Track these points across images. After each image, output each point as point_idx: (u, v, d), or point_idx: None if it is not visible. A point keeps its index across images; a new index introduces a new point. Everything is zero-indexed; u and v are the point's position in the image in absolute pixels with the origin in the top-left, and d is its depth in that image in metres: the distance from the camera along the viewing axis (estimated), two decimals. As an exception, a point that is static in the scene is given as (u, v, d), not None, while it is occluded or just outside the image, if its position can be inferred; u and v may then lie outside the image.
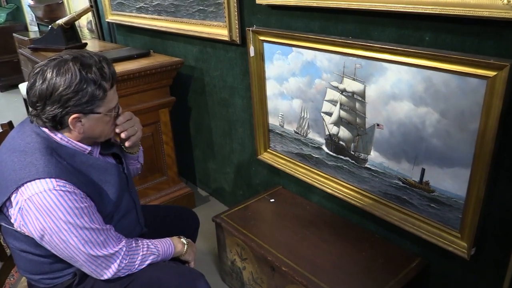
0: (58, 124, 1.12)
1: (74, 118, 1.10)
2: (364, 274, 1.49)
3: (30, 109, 1.14)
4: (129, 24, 2.79)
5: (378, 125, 1.48)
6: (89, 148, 1.20)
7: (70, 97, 1.07)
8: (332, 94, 1.61)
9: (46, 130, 1.14)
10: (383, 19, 1.35)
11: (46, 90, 1.06)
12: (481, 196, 1.24)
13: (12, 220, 1.11)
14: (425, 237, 1.44)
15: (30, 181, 1.06)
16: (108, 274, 1.18)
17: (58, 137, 1.15)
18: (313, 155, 1.81)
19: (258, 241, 1.70)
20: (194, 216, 1.67)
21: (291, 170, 1.94)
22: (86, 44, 2.73)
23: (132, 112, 1.35)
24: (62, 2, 3.87)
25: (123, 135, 1.29)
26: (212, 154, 2.57)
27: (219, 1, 1.95)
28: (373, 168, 1.56)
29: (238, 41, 1.95)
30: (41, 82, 1.07)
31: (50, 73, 1.06)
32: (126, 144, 1.33)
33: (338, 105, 1.60)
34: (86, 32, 3.58)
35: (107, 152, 1.30)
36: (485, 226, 1.31)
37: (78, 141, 1.17)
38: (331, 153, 1.72)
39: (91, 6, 3.01)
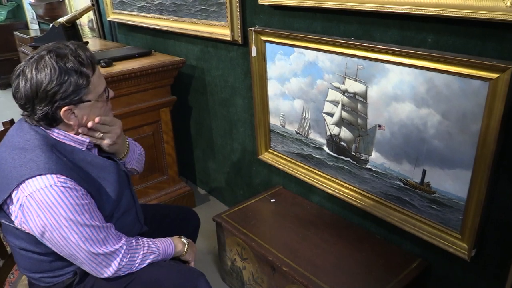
0: (52, 121, 1.11)
1: (65, 111, 1.10)
2: (365, 275, 1.49)
3: (21, 110, 1.13)
4: (131, 23, 2.79)
5: (379, 126, 1.48)
6: (87, 140, 1.19)
7: (55, 91, 1.06)
8: (333, 95, 1.61)
9: (50, 127, 1.14)
10: (386, 20, 1.35)
11: (31, 90, 1.06)
12: (482, 198, 1.24)
13: (12, 218, 1.11)
14: (425, 238, 1.44)
15: (31, 177, 1.06)
16: (108, 272, 1.18)
17: (55, 133, 1.15)
18: (314, 156, 1.81)
19: (258, 241, 1.70)
20: (195, 215, 1.67)
21: (292, 170, 1.94)
22: (87, 42, 2.73)
23: (112, 118, 1.28)
24: (63, 1, 3.87)
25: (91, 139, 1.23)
26: (212, 153, 2.57)
27: (221, 0, 1.95)
28: (374, 169, 1.56)
29: (240, 41, 1.95)
30: (24, 83, 1.06)
31: (30, 72, 1.06)
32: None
33: (339, 105, 1.60)
34: (87, 30, 3.58)
35: (103, 155, 1.29)
36: (486, 228, 1.31)
37: (75, 134, 1.17)
38: (332, 153, 1.72)
39: (92, 4, 3.02)
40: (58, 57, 1.07)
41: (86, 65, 1.10)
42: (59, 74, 1.05)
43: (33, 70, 1.05)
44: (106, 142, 1.25)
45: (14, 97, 1.10)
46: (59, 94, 1.06)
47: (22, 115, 1.15)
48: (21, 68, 1.08)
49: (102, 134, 1.23)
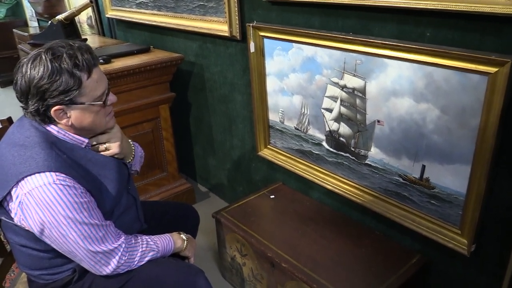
0: (44, 117, 1.12)
1: (56, 110, 1.10)
2: (364, 271, 1.49)
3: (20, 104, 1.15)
4: (129, 19, 2.78)
5: (378, 121, 1.48)
6: (86, 140, 1.20)
7: (45, 88, 1.06)
8: (332, 90, 1.60)
9: (43, 124, 1.14)
10: (384, 15, 1.34)
11: (25, 84, 1.08)
12: (482, 193, 1.23)
13: (12, 215, 1.11)
14: (425, 234, 1.44)
15: (30, 175, 1.06)
16: (107, 270, 1.18)
17: (55, 130, 1.15)
18: (313, 151, 1.81)
19: (258, 237, 1.70)
20: (194, 212, 1.67)
21: (291, 166, 1.94)
22: (86, 39, 2.72)
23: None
24: (62, -2, 3.85)
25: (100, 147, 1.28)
26: (212, 150, 2.57)
27: (219, -4, 1.94)
28: (373, 165, 1.56)
29: (238, 37, 1.94)
30: (20, 77, 1.08)
31: (26, 67, 1.08)
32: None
33: (338, 101, 1.59)
34: (86, 27, 3.57)
35: None
36: (485, 223, 1.31)
37: (75, 133, 1.17)
38: (331, 149, 1.72)
39: (91, 1, 2.99)
40: (53, 55, 1.07)
41: (81, 67, 1.09)
42: (51, 72, 1.06)
43: (29, 66, 1.07)
44: (114, 151, 1.28)
45: (14, 89, 1.13)
46: (49, 92, 1.07)
47: (20, 106, 1.15)
48: (21, 63, 1.10)
49: (106, 145, 1.26)
